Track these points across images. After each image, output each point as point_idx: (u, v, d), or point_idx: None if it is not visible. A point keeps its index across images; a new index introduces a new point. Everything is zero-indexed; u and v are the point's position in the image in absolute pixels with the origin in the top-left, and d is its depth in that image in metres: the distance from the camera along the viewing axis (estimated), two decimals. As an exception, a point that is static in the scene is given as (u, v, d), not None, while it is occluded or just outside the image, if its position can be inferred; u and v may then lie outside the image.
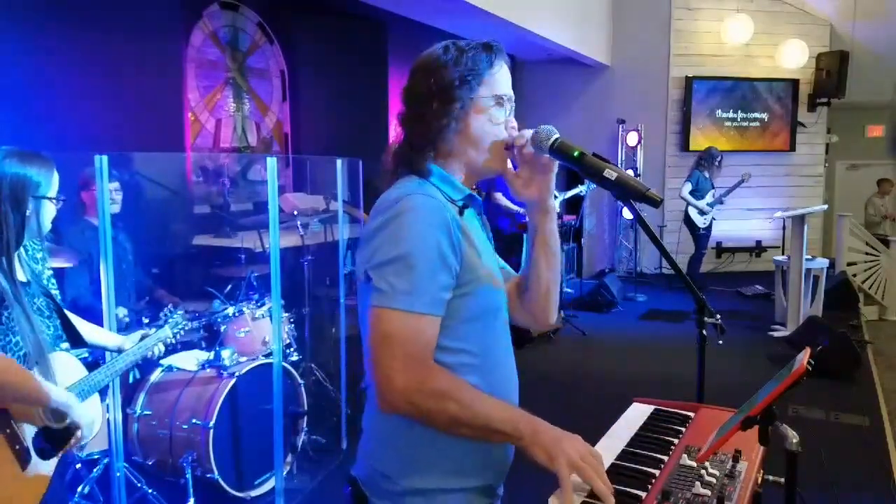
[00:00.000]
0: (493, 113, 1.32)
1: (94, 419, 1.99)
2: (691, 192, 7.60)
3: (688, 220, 7.72)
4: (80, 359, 2.00)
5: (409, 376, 1.12)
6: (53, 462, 1.84)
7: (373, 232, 1.20)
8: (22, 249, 1.95)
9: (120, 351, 2.23)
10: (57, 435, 1.84)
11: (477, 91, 1.29)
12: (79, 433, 1.92)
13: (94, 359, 2.41)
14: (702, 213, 7.62)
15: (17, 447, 1.73)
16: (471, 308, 1.24)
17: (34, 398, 1.73)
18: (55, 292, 2.02)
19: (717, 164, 7.67)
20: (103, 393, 2.65)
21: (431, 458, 1.23)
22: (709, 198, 7.65)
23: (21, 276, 1.89)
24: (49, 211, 1.92)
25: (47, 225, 1.95)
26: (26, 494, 1.75)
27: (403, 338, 1.13)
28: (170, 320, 2.44)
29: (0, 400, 1.69)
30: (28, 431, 1.78)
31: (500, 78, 1.33)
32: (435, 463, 1.23)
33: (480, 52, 1.31)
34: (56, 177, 1.94)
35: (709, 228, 7.81)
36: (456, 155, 1.32)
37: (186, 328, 2.50)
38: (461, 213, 1.29)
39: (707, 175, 7.67)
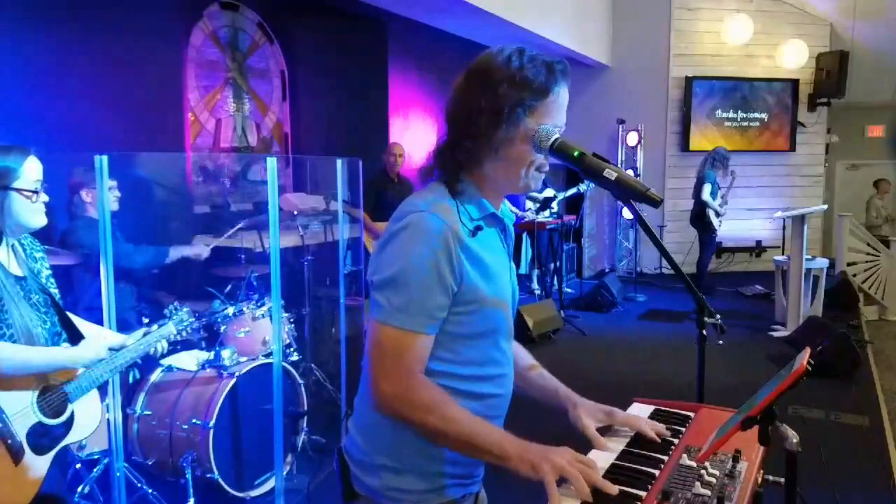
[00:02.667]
0: (527, 131, 1.27)
1: (94, 412, 1.99)
2: (709, 194, 7.43)
3: (704, 222, 7.52)
4: None
5: (393, 387, 1.21)
6: (49, 457, 1.83)
7: (382, 244, 1.25)
8: (19, 245, 1.95)
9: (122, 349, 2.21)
10: (51, 430, 1.84)
11: (524, 121, 1.25)
12: (82, 428, 1.92)
13: None
14: (717, 214, 7.52)
15: (10, 442, 1.73)
16: (468, 327, 1.28)
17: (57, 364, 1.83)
18: (54, 291, 2.02)
19: (726, 164, 7.55)
20: (103, 392, 2.65)
21: (405, 441, 1.28)
22: (719, 199, 7.58)
23: (16, 270, 1.89)
24: (22, 204, 1.86)
25: (30, 220, 1.90)
26: (19, 490, 1.74)
27: (393, 352, 1.21)
28: (174, 317, 2.41)
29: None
30: (22, 427, 1.78)
31: (553, 107, 1.28)
32: (408, 444, 1.28)
33: (541, 76, 1.25)
34: (30, 169, 1.88)
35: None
36: (491, 174, 1.32)
37: (193, 325, 2.47)
38: (475, 233, 1.26)
39: (717, 176, 7.56)
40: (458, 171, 1.29)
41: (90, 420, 1.99)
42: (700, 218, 7.55)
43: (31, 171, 1.88)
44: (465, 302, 1.25)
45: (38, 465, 1.80)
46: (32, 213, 1.90)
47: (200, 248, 3.67)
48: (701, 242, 7.73)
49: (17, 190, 1.85)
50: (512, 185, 1.34)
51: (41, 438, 1.81)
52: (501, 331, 1.34)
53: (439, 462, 1.30)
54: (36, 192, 1.89)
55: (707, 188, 7.42)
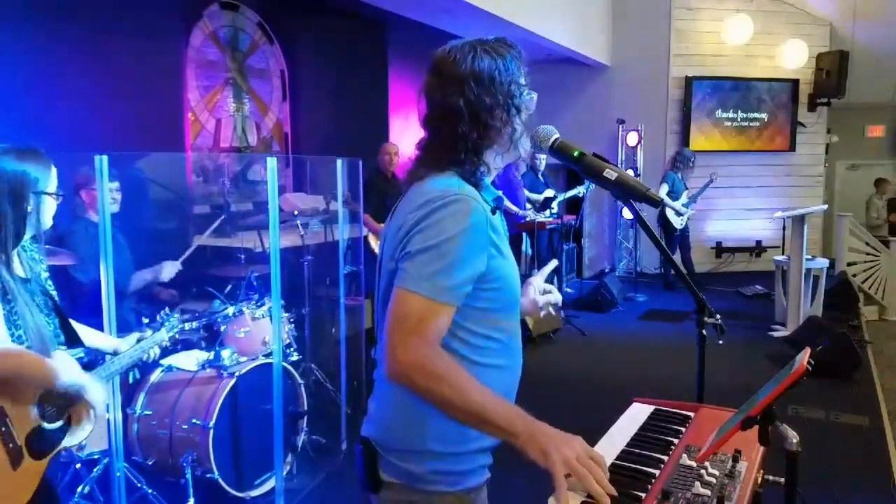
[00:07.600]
0: (531, 107, 1.41)
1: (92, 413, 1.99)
2: (667, 194, 7.78)
3: (664, 222, 7.88)
4: (76, 359, 2.00)
5: (411, 354, 1.21)
6: (45, 461, 1.83)
7: (415, 221, 1.26)
8: (21, 247, 1.95)
9: (115, 354, 2.22)
10: (50, 435, 1.84)
11: (524, 94, 1.38)
12: (79, 433, 1.92)
13: (91, 360, 2.40)
14: (678, 214, 7.77)
15: (10, 446, 1.73)
16: (498, 302, 1.34)
17: (47, 379, 1.77)
18: (53, 293, 2.02)
19: (690, 164, 7.94)
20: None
21: (449, 425, 1.28)
22: (684, 198, 7.85)
23: (21, 272, 1.90)
24: (49, 207, 1.93)
25: (48, 221, 1.95)
26: (15, 494, 1.75)
27: (416, 320, 1.22)
28: (166, 323, 2.42)
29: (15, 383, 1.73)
30: (22, 430, 1.77)
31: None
32: (451, 428, 1.29)
33: (515, 53, 1.38)
34: (54, 172, 1.94)
35: (686, 228, 7.95)
36: (491, 157, 1.40)
37: (185, 329, 2.48)
38: (494, 212, 1.34)
39: (681, 176, 7.91)
40: (474, 160, 1.35)
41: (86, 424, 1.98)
42: (662, 217, 7.84)
43: (54, 174, 1.94)
44: (494, 278, 1.31)
45: (36, 469, 1.80)
46: (50, 214, 1.96)
47: (166, 270, 3.51)
48: (666, 242, 7.98)
49: (50, 194, 1.91)
50: (506, 160, 1.45)
51: (40, 443, 1.81)
52: (519, 302, 1.43)
53: (475, 443, 1.34)
54: (62, 194, 1.96)
55: (664, 188, 7.80)
